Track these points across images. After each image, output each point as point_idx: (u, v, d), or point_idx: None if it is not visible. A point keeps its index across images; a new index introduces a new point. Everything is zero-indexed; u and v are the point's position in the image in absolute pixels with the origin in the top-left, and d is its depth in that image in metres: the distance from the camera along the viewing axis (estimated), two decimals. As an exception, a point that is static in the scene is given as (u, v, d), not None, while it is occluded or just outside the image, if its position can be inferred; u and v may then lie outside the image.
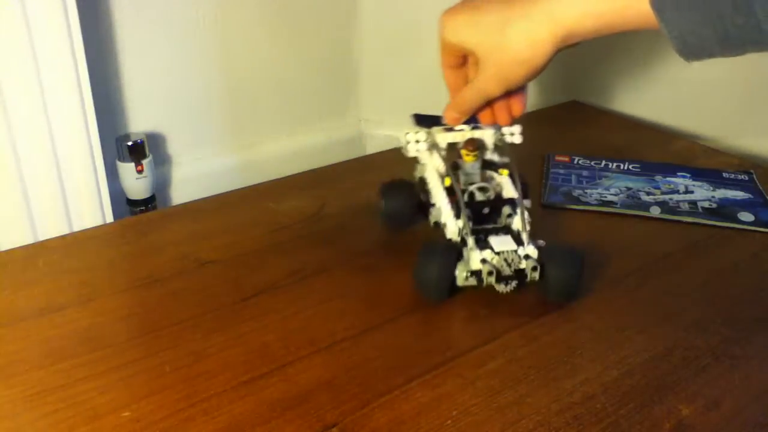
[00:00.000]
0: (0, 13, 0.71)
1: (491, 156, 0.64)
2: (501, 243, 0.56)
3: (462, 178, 0.62)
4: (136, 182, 0.93)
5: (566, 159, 0.85)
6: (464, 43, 0.54)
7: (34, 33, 0.73)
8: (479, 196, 0.60)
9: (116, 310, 0.56)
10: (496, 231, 0.58)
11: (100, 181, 0.83)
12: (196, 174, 1.03)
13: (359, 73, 1.18)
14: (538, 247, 0.56)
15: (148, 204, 0.95)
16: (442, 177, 0.61)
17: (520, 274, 0.56)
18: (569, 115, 1.04)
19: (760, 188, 0.78)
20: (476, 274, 0.55)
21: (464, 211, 0.57)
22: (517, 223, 0.58)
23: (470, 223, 0.57)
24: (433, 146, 0.62)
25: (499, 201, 0.60)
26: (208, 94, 1.02)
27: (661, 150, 0.90)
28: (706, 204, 0.74)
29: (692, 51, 0.44)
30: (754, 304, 0.58)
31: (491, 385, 0.49)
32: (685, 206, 0.74)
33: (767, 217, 0.72)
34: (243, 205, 0.74)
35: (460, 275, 0.56)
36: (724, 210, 0.73)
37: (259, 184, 0.80)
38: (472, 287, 0.56)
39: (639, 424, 0.45)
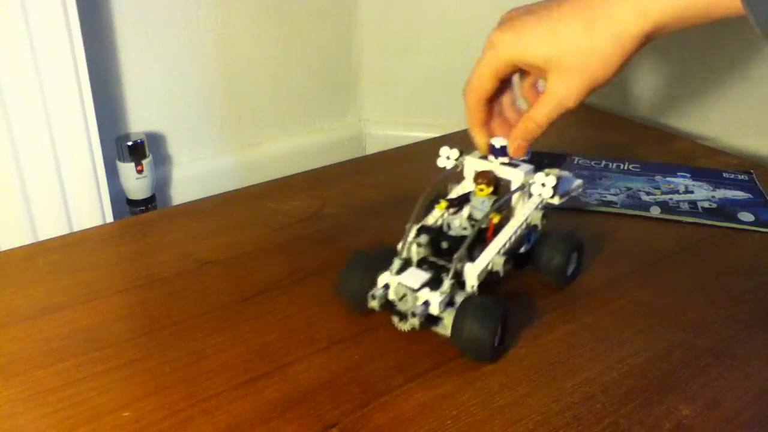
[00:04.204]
0: (0, 13, 0.71)
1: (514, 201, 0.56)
2: (409, 277, 0.51)
3: (467, 212, 0.56)
4: (136, 182, 0.93)
5: (566, 159, 0.85)
6: (539, 58, 0.50)
7: (34, 33, 0.74)
8: (453, 231, 0.55)
9: (116, 310, 0.56)
10: (438, 268, 0.52)
11: (100, 181, 0.83)
12: (196, 174, 1.04)
13: (359, 73, 1.18)
14: (448, 302, 0.50)
15: (148, 204, 0.95)
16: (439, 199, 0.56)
17: (428, 317, 0.50)
18: (569, 115, 1.04)
19: (760, 188, 0.78)
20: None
21: (409, 234, 0.53)
22: (466, 269, 0.51)
23: (420, 249, 0.53)
24: (459, 168, 0.58)
25: (460, 241, 0.53)
26: (208, 94, 1.02)
27: (661, 150, 0.90)
28: (706, 204, 0.74)
29: None
30: (754, 304, 0.58)
31: (491, 385, 0.49)
32: (685, 206, 0.74)
33: (767, 217, 0.72)
34: (243, 205, 0.74)
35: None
36: (724, 210, 0.73)
37: (259, 184, 0.80)
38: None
39: (639, 424, 0.45)
